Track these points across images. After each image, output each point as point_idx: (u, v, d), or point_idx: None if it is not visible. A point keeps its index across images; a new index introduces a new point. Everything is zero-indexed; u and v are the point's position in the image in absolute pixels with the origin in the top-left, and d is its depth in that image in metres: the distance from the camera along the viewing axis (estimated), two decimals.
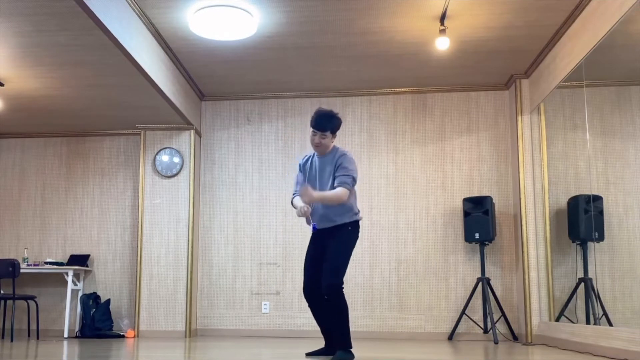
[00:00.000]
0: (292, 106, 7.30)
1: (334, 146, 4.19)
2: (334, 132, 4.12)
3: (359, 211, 4.21)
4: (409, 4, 5.14)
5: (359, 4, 5.15)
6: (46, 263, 7.06)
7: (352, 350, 4.01)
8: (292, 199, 4.27)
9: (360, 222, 4.21)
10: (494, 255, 6.74)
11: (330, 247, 4.06)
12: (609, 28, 4.56)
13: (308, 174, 4.25)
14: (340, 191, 3.96)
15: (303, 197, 3.91)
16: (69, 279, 6.96)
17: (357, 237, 4.20)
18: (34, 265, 7.04)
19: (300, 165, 4.35)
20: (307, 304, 4.23)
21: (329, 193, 3.99)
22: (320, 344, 4.37)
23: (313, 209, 4.09)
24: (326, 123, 4.09)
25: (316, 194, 3.93)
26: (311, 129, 4.12)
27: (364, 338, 6.58)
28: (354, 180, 4.06)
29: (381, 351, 4.89)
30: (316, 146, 4.12)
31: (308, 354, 4.28)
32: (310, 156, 4.31)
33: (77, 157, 7.64)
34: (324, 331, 4.26)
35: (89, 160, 7.61)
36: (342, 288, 4.00)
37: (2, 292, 6.82)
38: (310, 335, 6.46)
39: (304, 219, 4.38)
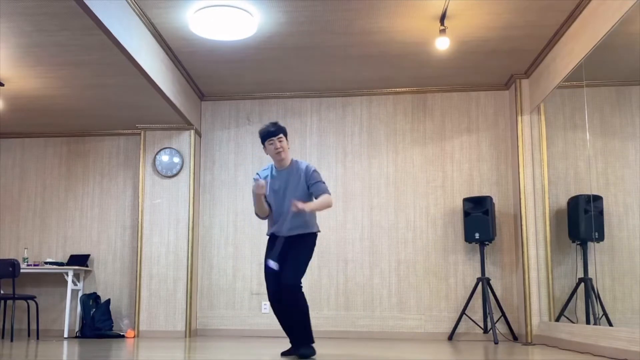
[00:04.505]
0: (292, 106, 7.30)
1: (293, 159, 4.33)
2: (286, 135, 4.27)
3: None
4: (409, 4, 5.14)
5: (359, 4, 5.15)
6: (46, 263, 7.06)
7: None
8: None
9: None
10: (494, 255, 6.74)
11: (294, 252, 4.18)
12: (609, 28, 4.56)
13: (271, 190, 4.27)
14: (328, 197, 4.17)
15: (298, 207, 4.01)
16: (69, 279, 6.96)
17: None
18: (34, 265, 7.04)
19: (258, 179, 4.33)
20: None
21: (318, 202, 4.18)
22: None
23: (282, 220, 4.18)
24: (276, 127, 4.23)
25: (310, 205, 4.09)
26: (267, 142, 4.22)
27: (364, 338, 6.58)
28: None
29: (381, 351, 4.89)
30: (278, 152, 4.21)
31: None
32: (268, 172, 4.35)
33: (77, 157, 7.64)
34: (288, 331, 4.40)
35: (89, 160, 7.61)
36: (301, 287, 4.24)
37: (2, 292, 6.81)
38: None
39: None
